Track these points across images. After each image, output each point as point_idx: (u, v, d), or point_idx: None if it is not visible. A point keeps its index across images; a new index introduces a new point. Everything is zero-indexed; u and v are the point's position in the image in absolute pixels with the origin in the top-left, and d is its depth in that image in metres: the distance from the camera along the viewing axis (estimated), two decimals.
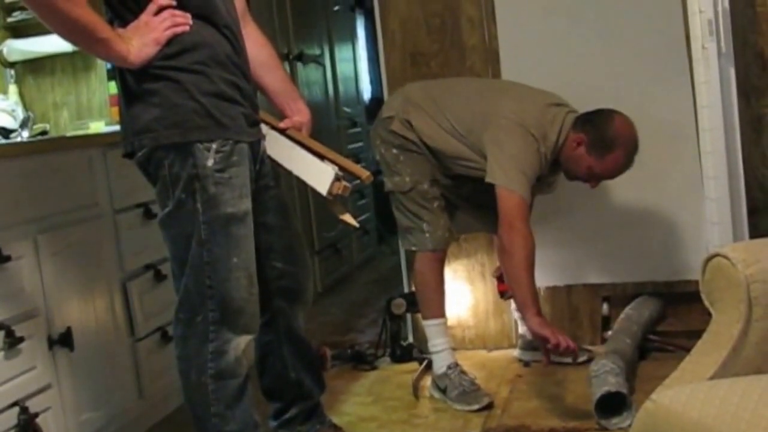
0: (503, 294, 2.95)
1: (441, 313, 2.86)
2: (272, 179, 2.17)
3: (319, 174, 2.21)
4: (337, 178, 2.19)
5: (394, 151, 2.80)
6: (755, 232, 2.53)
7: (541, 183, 2.75)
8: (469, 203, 2.97)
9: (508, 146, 2.60)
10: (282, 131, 2.26)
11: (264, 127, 2.18)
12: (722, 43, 2.39)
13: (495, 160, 2.60)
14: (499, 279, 2.95)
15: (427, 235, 2.80)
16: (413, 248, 2.86)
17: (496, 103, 2.72)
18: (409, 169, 2.79)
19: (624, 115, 2.62)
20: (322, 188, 2.20)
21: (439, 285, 2.86)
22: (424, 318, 2.88)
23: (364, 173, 2.30)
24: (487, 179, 2.61)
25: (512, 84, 2.86)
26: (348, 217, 2.32)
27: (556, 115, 2.66)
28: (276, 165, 2.22)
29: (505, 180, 2.57)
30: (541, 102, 2.69)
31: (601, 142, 2.58)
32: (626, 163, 2.63)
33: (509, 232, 2.55)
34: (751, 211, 2.55)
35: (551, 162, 2.68)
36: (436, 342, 2.84)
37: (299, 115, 2.28)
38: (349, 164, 2.28)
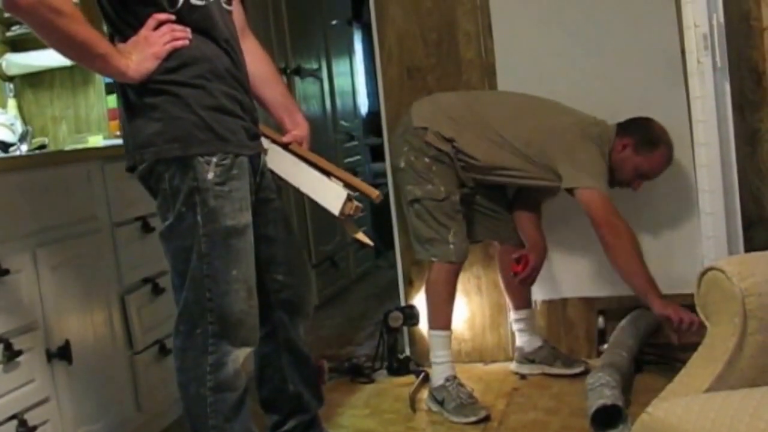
0: (516, 275, 2.93)
1: (448, 325, 2.86)
2: (273, 192, 2.18)
3: (330, 194, 2.21)
4: (349, 198, 2.19)
5: (426, 160, 2.81)
6: (750, 246, 2.54)
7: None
8: (480, 212, 2.99)
9: (580, 154, 2.74)
10: (284, 146, 2.26)
11: (266, 141, 2.19)
12: (717, 58, 2.40)
13: (572, 167, 2.73)
14: (516, 261, 2.93)
15: (452, 246, 2.80)
16: (433, 259, 2.85)
17: (552, 117, 2.84)
18: (442, 180, 2.81)
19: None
20: (334, 209, 2.19)
21: (451, 297, 2.87)
22: (431, 327, 2.89)
23: (374, 192, 2.30)
24: (566, 185, 2.73)
25: (549, 100, 2.90)
26: (361, 236, 2.32)
27: (603, 127, 2.83)
28: (280, 180, 2.23)
29: (587, 181, 2.70)
30: (588, 118, 2.84)
31: (647, 141, 2.78)
32: (669, 159, 2.82)
33: (610, 230, 2.68)
34: (746, 225, 2.56)
35: None
36: (439, 353, 2.84)
37: (299, 128, 2.29)
38: (357, 182, 2.28)
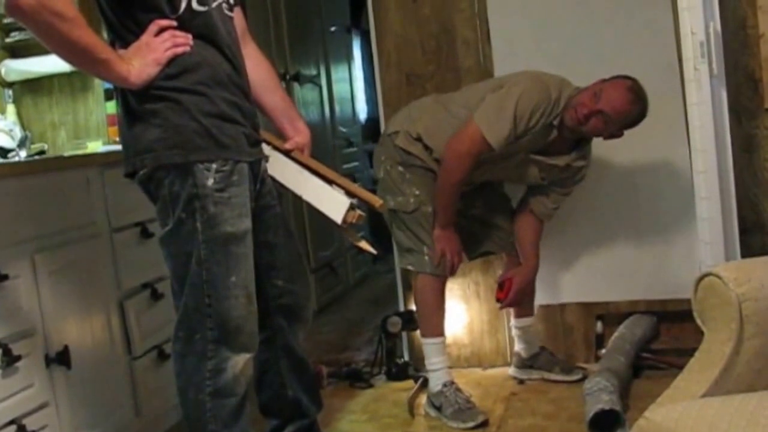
0: (499, 301, 2.96)
1: (440, 332, 2.87)
2: (273, 198, 2.18)
3: (332, 202, 2.21)
4: (351, 207, 2.19)
5: (400, 168, 2.81)
6: (747, 252, 2.55)
7: (564, 171, 2.81)
8: (479, 224, 2.99)
9: (507, 95, 2.63)
10: (286, 153, 2.27)
11: (266, 148, 2.19)
12: (714, 65, 2.42)
13: (486, 102, 2.66)
14: (500, 286, 2.95)
15: (427, 258, 2.81)
16: (410, 267, 2.88)
17: (510, 76, 2.78)
18: (416, 190, 2.80)
19: None
20: (337, 217, 2.19)
21: (440, 304, 2.87)
22: (423, 336, 2.89)
23: (377, 201, 2.31)
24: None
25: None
26: (364, 244, 2.32)
27: (569, 83, 2.73)
28: (281, 187, 2.23)
29: (481, 120, 2.63)
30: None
31: (613, 77, 2.65)
32: (631, 95, 2.61)
33: (456, 158, 2.67)
34: (743, 231, 2.56)
35: (569, 142, 2.74)
36: (434, 360, 2.85)
37: (299, 135, 2.29)
38: (359, 191, 2.27)
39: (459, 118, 2.74)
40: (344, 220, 2.19)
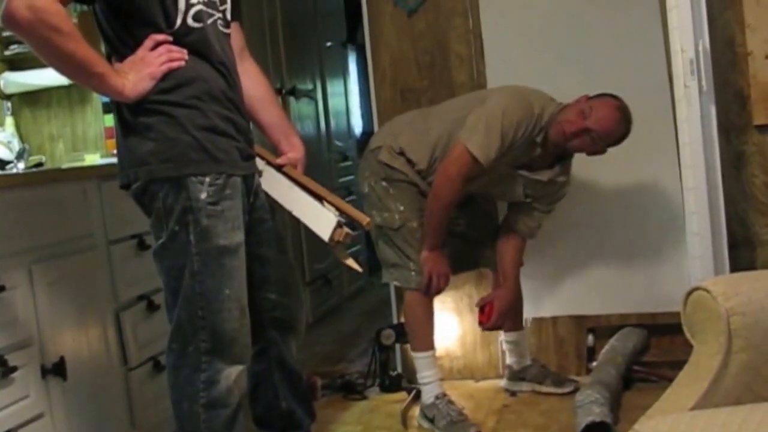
0: (482, 324, 2.96)
1: (430, 346, 2.88)
2: (267, 212, 2.20)
3: (321, 219, 2.22)
4: (339, 225, 2.20)
5: (384, 183, 2.82)
6: (736, 266, 2.57)
7: (547, 186, 2.82)
8: (464, 240, 3.00)
9: (491, 111, 2.65)
10: (278, 168, 2.29)
11: (260, 163, 2.20)
12: (703, 82, 2.45)
13: (471, 120, 2.67)
14: (481, 310, 2.96)
15: (413, 274, 2.82)
16: (395, 283, 2.89)
17: (490, 91, 2.81)
18: (400, 205, 2.81)
19: None
20: (324, 234, 2.20)
21: (429, 319, 2.88)
22: (414, 350, 2.90)
23: (365, 219, 2.32)
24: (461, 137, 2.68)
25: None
26: (352, 262, 2.33)
27: (550, 100, 2.75)
28: (274, 202, 2.25)
29: (469, 140, 2.64)
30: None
31: (597, 95, 2.67)
32: (618, 115, 2.66)
33: (445, 180, 2.68)
34: (732, 246, 2.59)
35: (552, 157, 2.75)
36: (425, 374, 2.86)
37: (294, 150, 2.30)
38: (349, 208, 2.28)
39: (437, 128, 2.78)
40: (331, 238, 2.20)
